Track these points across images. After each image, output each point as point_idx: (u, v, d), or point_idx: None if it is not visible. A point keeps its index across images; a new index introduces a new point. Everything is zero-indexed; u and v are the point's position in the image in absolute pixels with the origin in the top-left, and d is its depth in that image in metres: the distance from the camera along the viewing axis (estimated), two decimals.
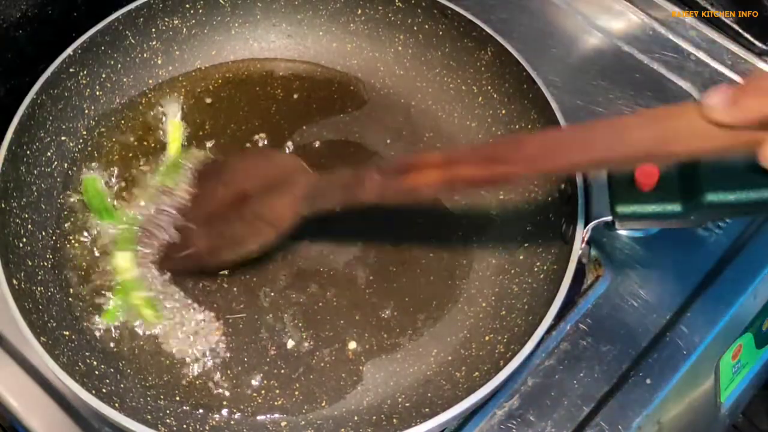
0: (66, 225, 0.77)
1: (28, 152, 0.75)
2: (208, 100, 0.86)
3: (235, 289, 0.75)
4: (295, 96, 0.87)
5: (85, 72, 0.80)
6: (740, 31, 0.93)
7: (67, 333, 0.70)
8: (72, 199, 0.78)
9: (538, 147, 0.59)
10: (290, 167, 0.73)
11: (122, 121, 0.84)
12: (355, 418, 0.70)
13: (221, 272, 0.75)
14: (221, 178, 0.75)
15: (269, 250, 0.74)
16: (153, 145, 0.82)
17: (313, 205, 0.69)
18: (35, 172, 0.76)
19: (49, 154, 0.78)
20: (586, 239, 0.69)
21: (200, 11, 0.86)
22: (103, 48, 0.81)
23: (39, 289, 0.71)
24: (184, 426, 0.67)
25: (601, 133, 0.56)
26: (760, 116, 0.49)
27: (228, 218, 0.72)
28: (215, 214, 0.73)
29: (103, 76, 0.82)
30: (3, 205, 0.71)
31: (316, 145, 0.84)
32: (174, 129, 0.83)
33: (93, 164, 0.80)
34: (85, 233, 0.77)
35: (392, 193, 0.64)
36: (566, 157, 0.57)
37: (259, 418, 0.69)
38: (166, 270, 0.75)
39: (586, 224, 0.69)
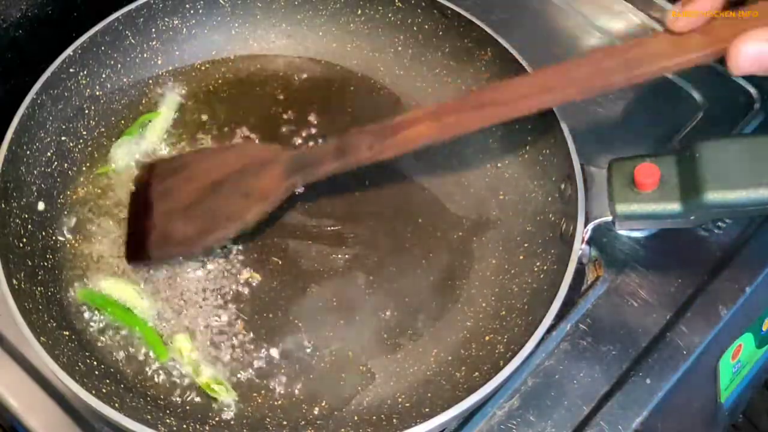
0: (66, 225, 0.77)
1: (28, 152, 0.75)
2: (208, 100, 0.86)
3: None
4: (295, 96, 0.87)
5: (85, 72, 0.80)
6: None
7: (67, 333, 0.70)
8: (72, 199, 0.78)
9: (524, 87, 0.67)
10: (263, 150, 0.77)
11: (122, 121, 0.84)
12: (355, 418, 0.70)
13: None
14: (183, 174, 0.75)
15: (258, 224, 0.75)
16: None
17: (303, 174, 0.72)
18: (35, 172, 0.76)
19: (49, 154, 0.78)
20: (586, 239, 0.69)
21: (200, 11, 0.86)
22: (103, 48, 0.81)
23: (39, 289, 0.71)
24: (184, 426, 0.67)
25: (579, 68, 0.66)
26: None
27: (209, 201, 0.73)
28: (192, 201, 0.73)
29: (103, 76, 0.82)
30: (3, 205, 0.71)
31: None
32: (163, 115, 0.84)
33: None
34: (86, 233, 0.77)
35: (386, 150, 0.68)
36: (551, 94, 0.66)
37: (259, 418, 0.69)
38: (143, 261, 0.74)
39: (586, 224, 0.69)
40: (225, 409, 0.69)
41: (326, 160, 0.71)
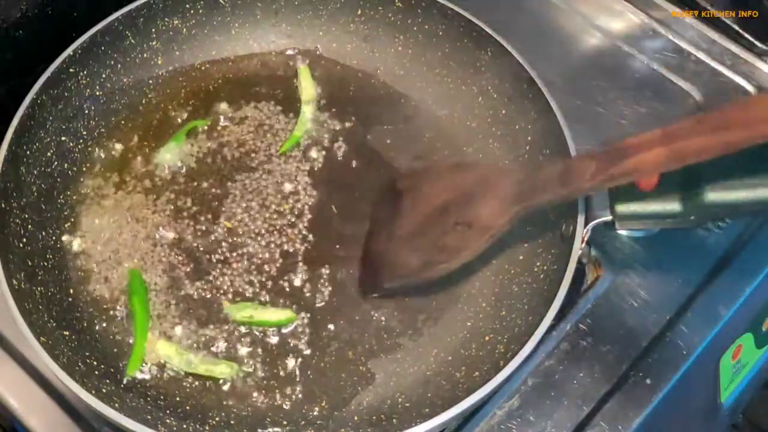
0: (66, 225, 0.77)
1: (28, 152, 0.75)
2: (208, 100, 0.86)
3: (236, 288, 0.75)
4: (296, 96, 0.87)
5: (85, 72, 0.80)
6: (740, 31, 0.93)
7: (67, 333, 0.70)
8: (72, 199, 0.78)
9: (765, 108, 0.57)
10: (488, 171, 0.72)
11: (122, 121, 0.84)
12: (355, 418, 0.70)
13: None
14: (411, 195, 0.73)
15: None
16: (154, 145, 0.83)
17: (525, 202, 0.66)
18: (35, 172, 0.76)
19: (49, 154, 0.78)
20: (586, 239, 0.69)
21: (200, 11, 0.86)
22: (103, 48, 0.81)
23: (39, 289, 0.71)
24: (184, 426, 0.67)
25: None
26: None
27: (432, 231, 0.70)
28: (418, 229, 0.71)
29: (103, 76, 0.82)
30: (3, 205, 0.71)
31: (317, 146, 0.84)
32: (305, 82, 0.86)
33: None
34: (85, 233, 0.77)
35: (611, 179, 0.62)
36: None
37: (259, 417, 0.69)
38: (376, 296, 0.74)
39: (586, 224, 0.69)
40: (215, 405, 0.69)
41: (551, 188, 0.65)
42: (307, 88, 0.86)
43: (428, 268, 0.71)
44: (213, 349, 0.72)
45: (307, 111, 0.85)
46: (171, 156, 0.82)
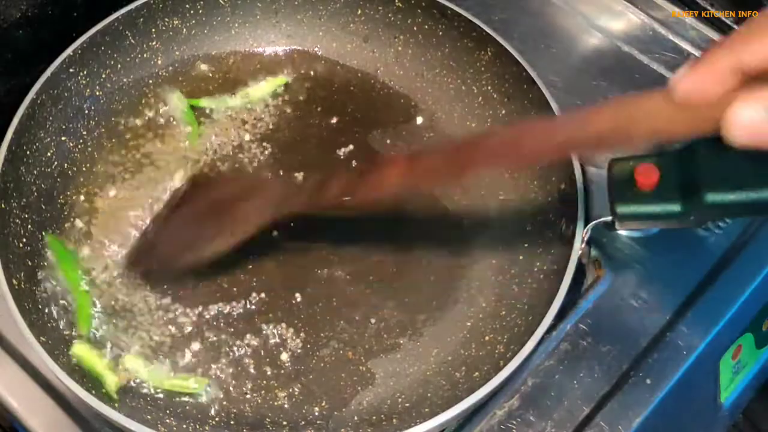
0: (66, 225, 0.77)
1: (28, 152, 0.75)
2: (208, 100, 0.86)
3: (234, 289, 0.75)
4: (296, 96, 0.87)
5: (85, 72, 0.80)
6: None
7: (68, 333, 0.70)
8: (72, 199, 0.78)
9: (499, 142, 0.61)
10: (262, 181, 0.79)
11: (122, 121, 0.84)
12: (355, 418, 0.70)
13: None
14: (201, 194, 0.75)
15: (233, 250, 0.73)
16: (152, 144, 0.83)
17: (278, 208, 0.71)
18: (35, 172, 0.76)
19: (49, 154, 0.78)
20: (586, 239, 0.69)
21: (200, 11, 0.86)
22: (103, 48, 0.81)
23: (39, 289, 0.71)
24: (184, 426, 0.67)
25: (562, 123, 0.60)
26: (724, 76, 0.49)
27: (199, 223, 0.74)
28: (189, 221, 0.74)
29: (103, 76, 0.83)
30: (3, 205, 0.71)
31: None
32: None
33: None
34: (85, 233, 0.77)
35: (355, 192, 0.66)
36: (526, 149, 0.60)
37: (259, 417, 0.69)
38: (137, 273, 0.75)
39: (586, 224, 0.69)
40: (215, 405, 0.69)
41: (299, 199, 0.71)
42: (266, 88, 0.86)
43: (180, 255, 0.74)
44: (213, 349, 0.72)
45: (239, 96, 0.86)
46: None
